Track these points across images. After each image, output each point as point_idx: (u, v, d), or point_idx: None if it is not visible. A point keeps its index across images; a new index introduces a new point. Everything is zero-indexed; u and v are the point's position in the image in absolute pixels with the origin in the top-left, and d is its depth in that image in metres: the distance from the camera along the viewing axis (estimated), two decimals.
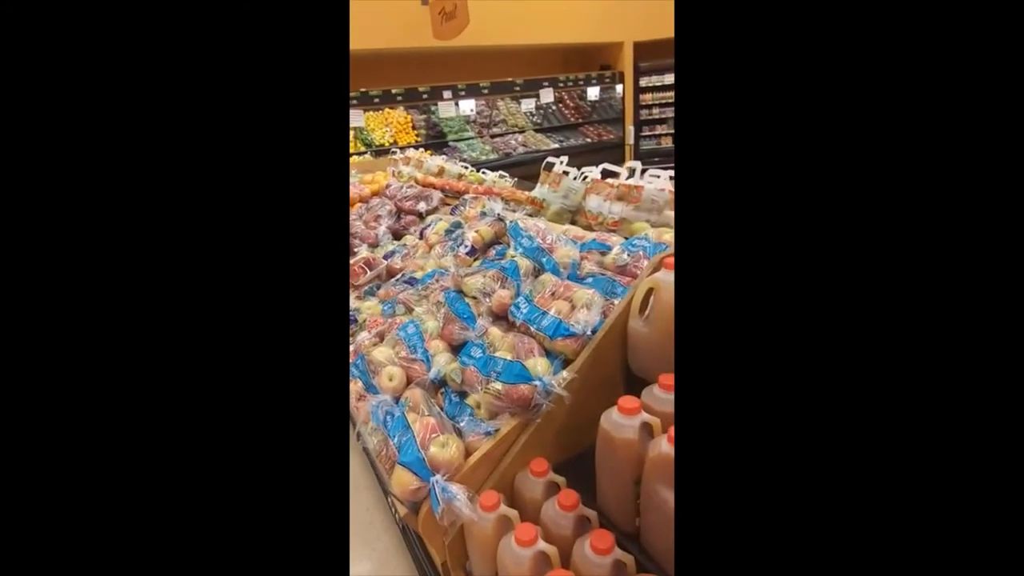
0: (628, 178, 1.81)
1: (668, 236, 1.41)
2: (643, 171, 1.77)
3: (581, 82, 6.55)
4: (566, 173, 1.96)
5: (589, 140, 6.40)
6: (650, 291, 1.01)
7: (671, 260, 1.01)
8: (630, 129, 6.94)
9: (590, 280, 1.26)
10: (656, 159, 6.79)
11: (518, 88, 5.97)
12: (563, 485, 0.94)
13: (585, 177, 1.93)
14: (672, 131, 7.09)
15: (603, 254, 1.38)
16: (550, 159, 2.01)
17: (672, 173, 1.68)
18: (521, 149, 5.71)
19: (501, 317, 1.22)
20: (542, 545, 0.81)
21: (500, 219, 1.64)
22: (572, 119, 6.47)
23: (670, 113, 7.00)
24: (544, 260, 1.35)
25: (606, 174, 1.93)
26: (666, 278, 0.99)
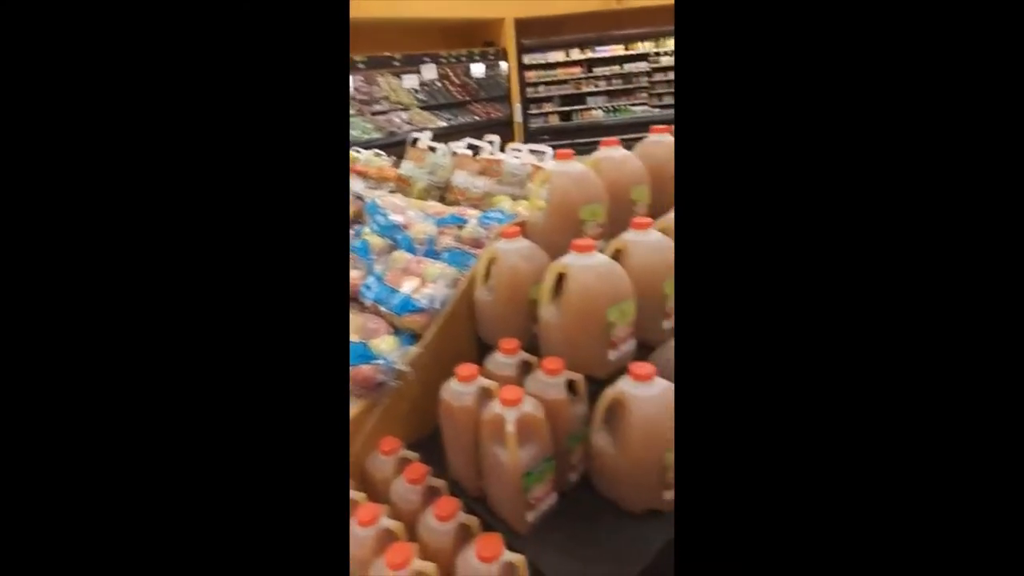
0: (491, 153, 1.82)
1: (521, 208, 1.44)
2: (503, 146, 1.78)
3: (464, 59, 6.45)
4: (432, 149, 1.93)
5: (478, 118, 6.36)
6: (492, 260, 1.03)
7: (510, 230, 1.03)
8: (517, 107, 7.00)
9: (446, 255, 1.25)
10: (546, 136, 6.92)
11: (397, 63, 5.74)
12: (415, 461, 0.93)
13: (454, 153, 1.91)
14: (559, 109, 7.27)
15: (460, 228, 1.37)
16: (413, 134, 1.96)
17: (535, 147, 1.72)
18: (407, 127, 5.53)
19: (352, 299, 1.17)
20: (385, 522, 0.80)
21: (359, 198, 1.57)
22: (459, 97, 6.37)
23: (556, 91, 7.16)
24: (399, 237, 1.31)
25: (473, 149, 1.92)
26: (505, 247, 1.01)
